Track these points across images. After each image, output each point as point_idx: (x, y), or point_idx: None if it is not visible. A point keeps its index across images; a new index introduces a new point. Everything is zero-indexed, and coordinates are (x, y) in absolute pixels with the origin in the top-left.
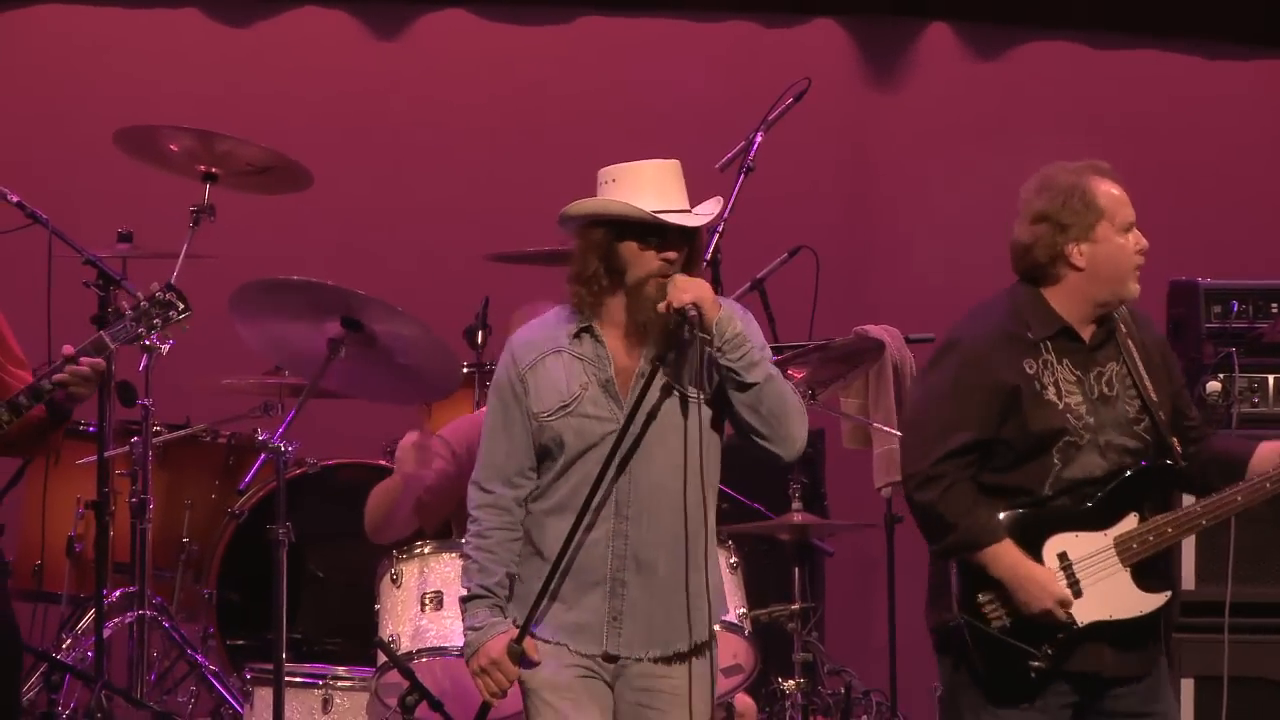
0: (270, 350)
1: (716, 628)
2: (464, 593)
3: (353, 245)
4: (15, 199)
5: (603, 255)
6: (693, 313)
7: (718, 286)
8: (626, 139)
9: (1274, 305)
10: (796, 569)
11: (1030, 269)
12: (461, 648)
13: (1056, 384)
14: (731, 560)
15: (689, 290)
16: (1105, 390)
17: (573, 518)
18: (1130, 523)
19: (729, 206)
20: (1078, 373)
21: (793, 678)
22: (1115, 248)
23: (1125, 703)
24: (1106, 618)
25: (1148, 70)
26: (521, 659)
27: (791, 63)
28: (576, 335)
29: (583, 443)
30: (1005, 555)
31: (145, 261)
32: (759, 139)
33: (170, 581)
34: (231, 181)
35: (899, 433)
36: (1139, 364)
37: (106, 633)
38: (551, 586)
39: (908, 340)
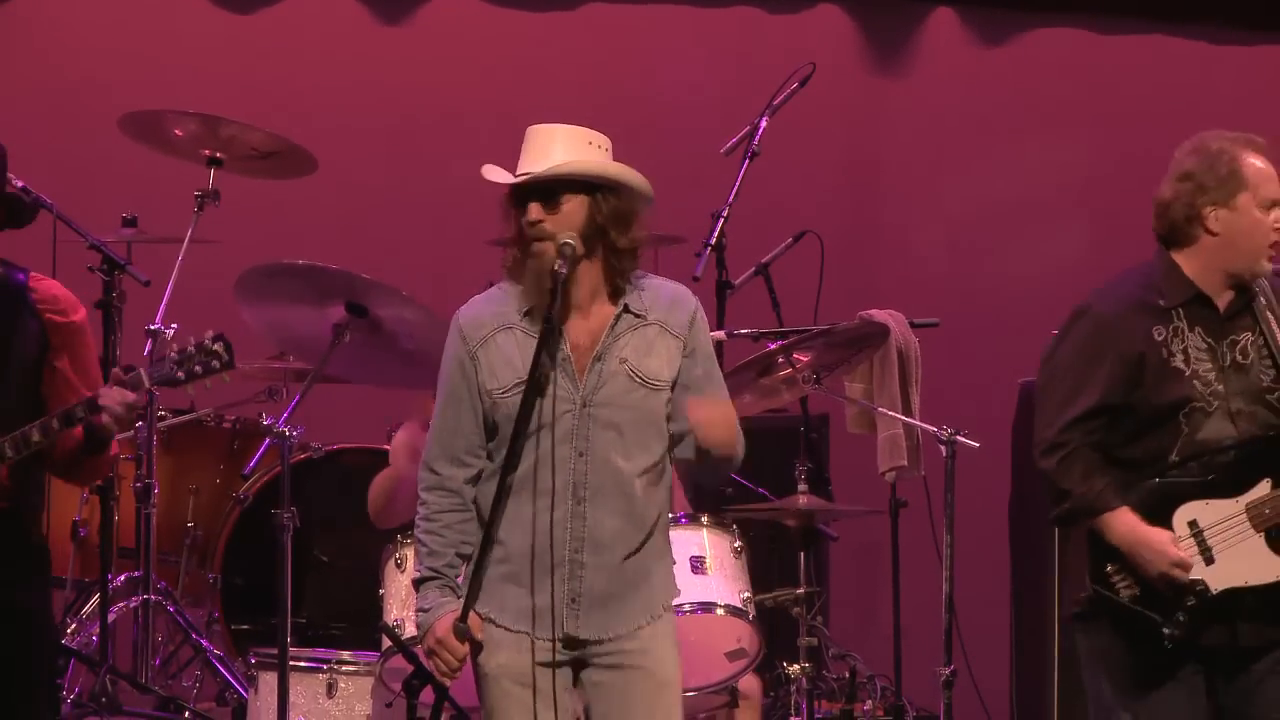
0: (275, 335)
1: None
2: (415, 575)
3: (356, 230)
4: (20, 184)
5: (513, 220)
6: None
7: (722, 270)
8: (630, 125)
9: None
10: (801, 553)
11: (1168, 229)
12: None
13: (1185, 351)
14: (736, 544)
15: (715, 429)
16: (1239, 358)
17: (526, 498)
18: (1263, 489)
19: (733, 193)
20: (1209, 340)
21: (797, 662)
22: (1253, 221)
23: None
24: (1241, 584)
25: (1152, 56)
26: (467, 637)
27: (796, 48)
28: (528, 312)
29: (537, 422)
30: (1120, 521)
31: (150, 246)
32: (764, 124)
33: (175, 566)
34: (236, 166)
35: (903, 417)
36: (1277, 335)
37: (111, 617)
38: (505, 570)
39: (912, 325)
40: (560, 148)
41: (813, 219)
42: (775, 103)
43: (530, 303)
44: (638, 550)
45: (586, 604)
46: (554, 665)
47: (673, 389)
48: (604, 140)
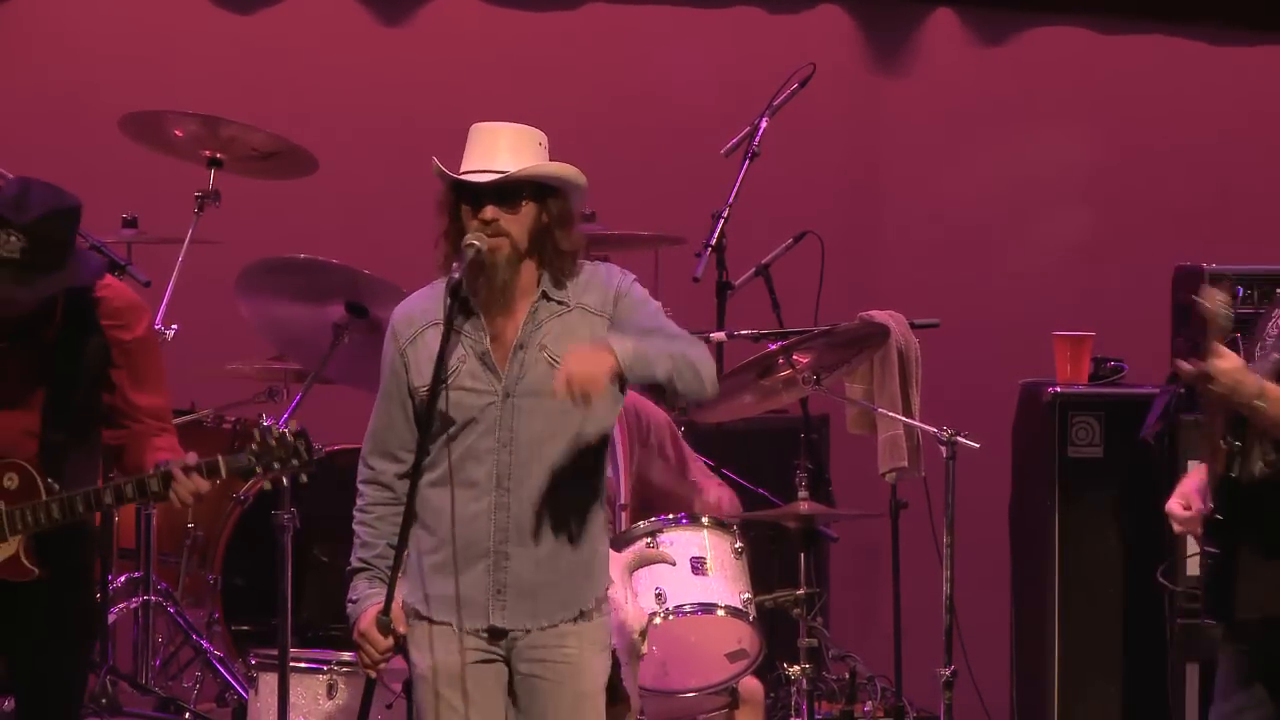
0: (275, 336)
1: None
2: (348, 566)
3: (357, 231)
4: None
5: (450, 215)
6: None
7: (722, 271)
8: (631, 125)
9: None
10: (801, 554)
11: None
12: None
13: None
14: (736, 545)
15: (588, 384)
16: None
17: (452, 490)
18: None
19: (734, 193)
20: None
21: (798, 663)
22: None
23: None
24: None
25: (1152, 56)
26: (390, 630)
27: (796, 48)
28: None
29: (462, 415)
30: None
31: (150, 247)
32: (764, 125)
33: (175, 567)
34: (236, 167)
35: (903, 418)
36: None
37: (111, 618)
38: (435, 560)
39: (912, 325)
40: (511, 147)
41: (813, 220)
42: (775, 103)
43: (474, 299)
44: (567, 539)
45: (513, 594)
46: (486, 663)
47: None
48: (545, 138)
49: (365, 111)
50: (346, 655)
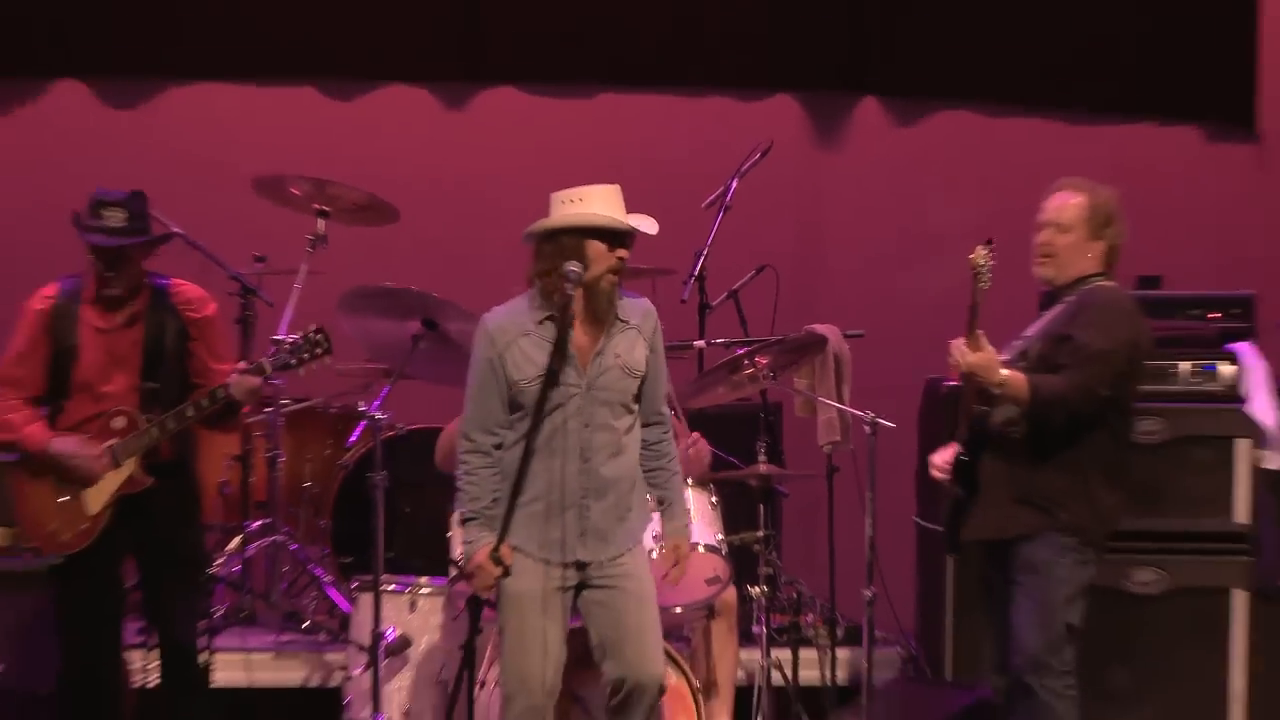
0: (368, 343)
1: (654, 538)
2: (459, 515)
3: (429, 266)
4: (178, 230)
5: (572, 256)
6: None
7: (703, 295)
8: (633, 185)
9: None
10: (760, 505)
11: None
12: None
13: None
14: (712, 499)
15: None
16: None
17: (546, 459)
18: None
19: (711, 236)
20: None
21: (758, 585)
22: None
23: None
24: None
25: (1032, 134)
26: (500, 562)
27: (758, 128)
28: (541, 323)
29: (555, 401)
30: None
31: (275, 277)
32: (734, 185)
33: (296, 515)
34: (339, 217)
35: (837, 404)
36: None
37: (249, 553)
38: (532, 510)
39: (845, 336)
40: (622, 204)
41: (771, 256)
42: (743, 169)
43: (594, 318)
44: (625, 492)
45: (592, 535)
46: (562, 590)
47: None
48: None
49: (434, 173)
50: (424, 580)
